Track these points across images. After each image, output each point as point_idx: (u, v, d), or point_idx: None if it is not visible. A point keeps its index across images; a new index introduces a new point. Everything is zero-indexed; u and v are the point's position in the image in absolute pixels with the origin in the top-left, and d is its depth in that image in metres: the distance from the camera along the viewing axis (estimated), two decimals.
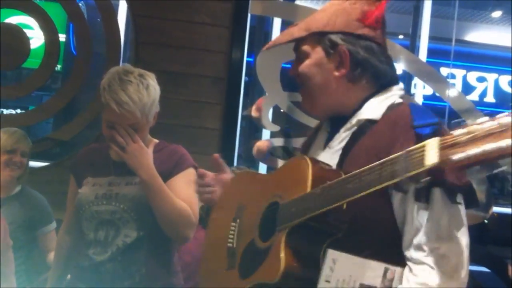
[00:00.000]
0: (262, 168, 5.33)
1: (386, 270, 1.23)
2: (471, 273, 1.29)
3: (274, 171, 1.52)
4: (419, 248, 1.24)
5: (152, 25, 3.53)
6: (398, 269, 1.24)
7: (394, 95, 1.41)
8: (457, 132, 0.98)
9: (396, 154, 1.09)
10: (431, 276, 1.22)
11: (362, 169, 1.15)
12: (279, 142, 3.97)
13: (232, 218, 1.53)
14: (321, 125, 1.57)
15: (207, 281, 1.59)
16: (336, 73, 1.42)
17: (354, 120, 1.40)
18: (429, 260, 1.22)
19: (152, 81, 2.01)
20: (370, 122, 1.36)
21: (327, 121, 1.53)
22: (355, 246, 1.25)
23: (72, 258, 2.14)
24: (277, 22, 6.35)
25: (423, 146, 1.03)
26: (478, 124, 0.96)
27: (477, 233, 3.76)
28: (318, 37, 1.43)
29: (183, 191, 2.00)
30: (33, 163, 3.69)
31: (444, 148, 0.99)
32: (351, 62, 1.41)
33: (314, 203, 1.22)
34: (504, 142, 0.91)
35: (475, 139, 0.95)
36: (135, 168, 1.96)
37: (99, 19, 3.66)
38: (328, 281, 1.21)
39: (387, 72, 1.43)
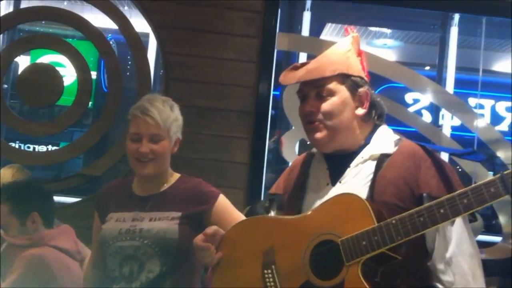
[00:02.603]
0: None
1: None
2: None
3: (307, 213, 1.53)
4: (450, 258, 1.44)
5: (181, 61, 3.59)
6: None
7: (390, 131, 1.64)
8: None
9: (470, 187, 1.26)
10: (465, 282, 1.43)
11: (432, 203, 1.32)
12: None
13: (262, 266, 1.53)
14: (306, 165, 1.68)
15: None
16: (358, 113, 1.60)
17: (366, 155, 1.56)
18: (459, 269, 1.44)
19: (176, 108, 2.13)
20: (385, 156, 1.54)
21: (320, 159, 1.65)
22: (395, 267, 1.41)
23: None
24: (302, 57, 6.40)
25: (496, 179, 1.22)
26: None
27: None
28: (343, 78, 1.58)
29: (236, 214, 2.07)
30: (66, 199, 3.76)
31: None
32: (369, 103, 1.62)
33: (388, 235, 1.33)
34: None
35: None
36: None
37: (129, 56, 3.73)
38: None
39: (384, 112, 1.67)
